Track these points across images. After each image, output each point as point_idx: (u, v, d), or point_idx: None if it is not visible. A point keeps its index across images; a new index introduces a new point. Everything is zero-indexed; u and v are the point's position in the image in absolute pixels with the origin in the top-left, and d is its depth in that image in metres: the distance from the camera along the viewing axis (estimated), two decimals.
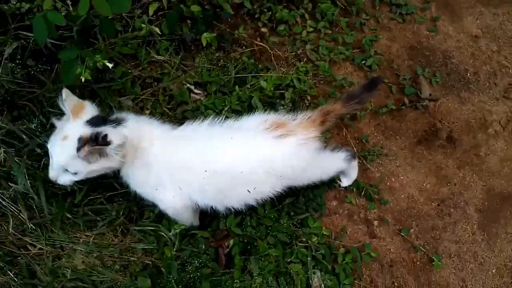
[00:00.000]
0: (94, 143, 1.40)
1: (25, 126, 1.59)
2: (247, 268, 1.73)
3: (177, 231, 1.67)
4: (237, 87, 2.11)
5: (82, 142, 1.41)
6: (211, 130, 1.61)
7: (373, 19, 2.64)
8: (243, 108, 2.04)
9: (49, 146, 1.47)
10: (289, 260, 1.78)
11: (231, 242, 1.72)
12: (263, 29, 2.42)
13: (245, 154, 1.58)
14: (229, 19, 2.31)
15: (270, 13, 2.43)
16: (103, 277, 1.66)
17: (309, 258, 1.80)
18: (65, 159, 1.44)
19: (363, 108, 2.23)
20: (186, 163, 1.56)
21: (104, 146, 1.40)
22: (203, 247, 1.67)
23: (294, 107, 2.15)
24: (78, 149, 1.41)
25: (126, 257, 1.71)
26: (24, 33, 1.69)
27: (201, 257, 1.64)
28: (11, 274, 1.61)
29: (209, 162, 1.55)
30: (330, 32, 2.50)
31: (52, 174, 1.50)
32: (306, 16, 2.50)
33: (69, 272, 1.64)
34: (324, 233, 1.88)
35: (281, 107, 2.07)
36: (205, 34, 2.07)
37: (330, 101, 2.05)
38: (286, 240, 1.78)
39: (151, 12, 1.95)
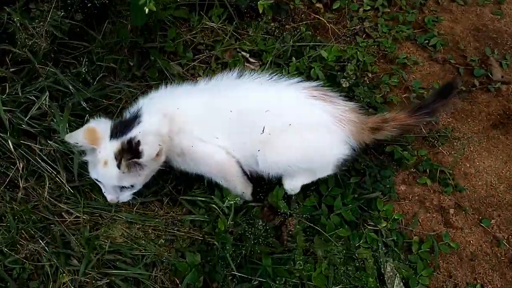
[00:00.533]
0: (129, 153, 1.30)
1: (75, 70, 1.38)
2: (309, 250, 1.45)
3: (232, 202, 1.42)
4: (293, 58, 1.89)
5: (118, 157, 1.32)
6: (240, 79, 1.47)
7: (433, 1, 2.41)
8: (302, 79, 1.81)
9: (95, 177, 1.40)
10: (357, 245, 1.50)
11: (296, 220, 1.45)
12: (317, 5, 2.21)
13: (269, 97, 1.42)
14: None
15: None
16: (145, 252, 1.41)
17: (380, 244, 1.51)
18: (116, 179, 1.36)
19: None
20: (215, 107, 1.42)
21: (138, 160, 1.30)
22: (260, 222, 1.40)
23: (356, 82, 1.91)
24: (119, 166, 1.33)
25: (173, 230, 1.46)
26: None
27: (260, 232, 1.37)
28: (42, 243, 1.38)
29: (235, 99, 1.41)
30: (389, 11, 2.27)
31: (111, 197, 1.42)
32: None
33: (107, 243, 1.40)
34: (396, 217, 1.60)
35: (343, 80, 1.84)
36: (261, 1, 1.87)
37: (395, 108, 1.79)
38: (353, 219, 1.50)
39: None
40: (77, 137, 1.33)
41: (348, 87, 1.85)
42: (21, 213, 1.42)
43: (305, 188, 1.57)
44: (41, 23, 1.38)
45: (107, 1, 1.49)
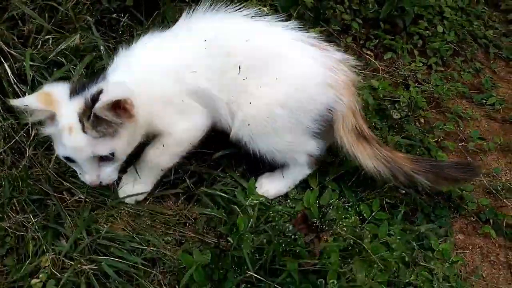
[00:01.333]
0: (91, 110, 1.09)
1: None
2: (345, 274, 1.20)
3: (256, 201, 1.25)
4: None
5: (81, 117, 1.11)
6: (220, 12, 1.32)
7: (489, 70, 2.40)
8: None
9: (63, 154, 1.16)
10: (406, 281, 1.23)
11: (331, 238, 1.24)
12: (368, 52, 2.22)
13: (253, 29, 1.30)
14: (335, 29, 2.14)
15: (377, 40, 2.26)
16: (147, 246, 1.21)
17: (435, 285, 1.24)
18: (88, 147, 1.12)
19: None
20: (189, 42, 1.27)
21: (92, 109, 1.08)
22: (290, 227, 1.20)
23: (408, 119, 1.80)
24: (84, 129, 1.11)
25: (183, 231, 1.27)
26: None
27: (287, 240, 1.17)
28: (32, 218, 1.22)
29: (209, 31, 1.27)
30: (443, 69, 2.25)
31: (91, 177, 1.17)
32: (415, 52, 2.30)
33: (105, 229, 1.21)
34: (455, 260, 1.34)
35: (394, 111, 1.74)
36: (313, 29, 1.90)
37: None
38: (403, 249, 1.26)
39: None
40: (28, 101, 1.11)
41: (399, 119, 1.74)
42: (18, 180, 1.29)
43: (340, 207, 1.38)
44: None
45: None
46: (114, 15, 1.54)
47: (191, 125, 1.30)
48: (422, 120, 1.94)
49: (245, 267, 1.11)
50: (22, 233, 1.21)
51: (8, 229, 1.20)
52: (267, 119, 1.26)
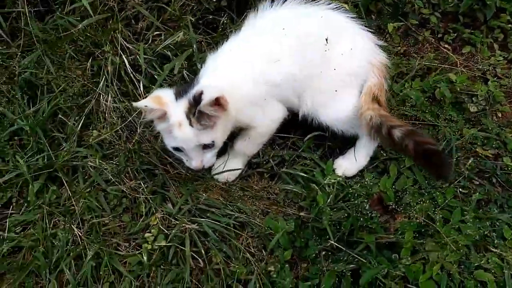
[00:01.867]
0: (195, 107, 1.31)
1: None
2: (417, 252, 1.29)
3: (333, 180, 1.37)
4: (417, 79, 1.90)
5: (189, 115, 1.33)
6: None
7: None
8: (425, 98, 1.79)
9: (173, 145, 1.39)
10: (476, 264, 1.29)
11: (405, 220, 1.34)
12: (446, 46, 2.22)
13: (314, 15, 1.52)
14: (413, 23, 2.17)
15: (455, 34, 2.25)
16: (238, 213, 1.39)
17: (506, 271, 1.29)
18: (195, 138, 1.35)
19: None
20: (259, 41, 1.46)
21: (199, 107, 1.29)
22: (367, 207, 1.31)
23: (485, 113, 1.81)
24: (191, 124, 1.33)
25: (267, 204, 1.43)
26: None
27: (364, 217, 1.28)
28: (142, 184, 1.44)
29: (276, 22, 1.48)
30: None
31: (196, 163, 1.40)
32: (495, 46, 2.26)
33: (203, 196, 1.41)
34: None
35: (471, 104, 1.77)
36: (391, 23, 1.97)
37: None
38: (474, 234, 1.32)
39: None
40: (146, 102, 1.33)
41: (476, 112, 1.76)
42: (132, 153, 1.52)
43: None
44: None
45: None
46: (211, 16, 1.75)
47: (271, 119, 1.51)
48: (500, 114, 1.93)
49: (326, 237, 1.25)
50: (135, 196, 1.45)
51: (125, 191, 1.45)
52: (334, 84, 1.48)
